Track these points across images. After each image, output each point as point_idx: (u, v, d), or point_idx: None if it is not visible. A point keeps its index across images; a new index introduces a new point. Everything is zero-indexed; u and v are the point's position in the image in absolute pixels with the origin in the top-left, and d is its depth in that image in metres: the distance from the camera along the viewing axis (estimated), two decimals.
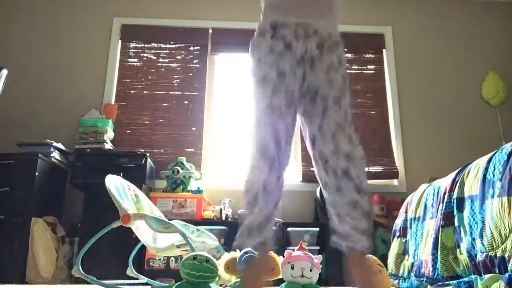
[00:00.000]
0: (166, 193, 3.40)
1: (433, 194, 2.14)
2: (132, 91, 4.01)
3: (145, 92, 4.02)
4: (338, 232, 1.33)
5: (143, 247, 2.30)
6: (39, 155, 3.08)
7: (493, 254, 1.49)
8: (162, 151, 3.84)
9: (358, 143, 1.40)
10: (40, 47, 4.04)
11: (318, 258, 1.52)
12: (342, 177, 1.34)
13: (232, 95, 4.16)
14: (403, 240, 2.44)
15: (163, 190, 3.47)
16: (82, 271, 1.82)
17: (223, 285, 1.80)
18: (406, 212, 2.48)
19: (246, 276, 1.45)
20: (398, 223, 2.55)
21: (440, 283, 1.86)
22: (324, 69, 1.41)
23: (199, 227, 2.25)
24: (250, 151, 1.39)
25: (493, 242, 1.49)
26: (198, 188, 3.46)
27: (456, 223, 1.81)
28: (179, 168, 3.47)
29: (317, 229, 3.24)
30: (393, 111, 4.07)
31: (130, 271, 2.24)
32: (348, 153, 1.36)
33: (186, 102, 4.00)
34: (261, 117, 1.39)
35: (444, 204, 1.93)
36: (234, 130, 4.04)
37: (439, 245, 1.90)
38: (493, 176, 1.59)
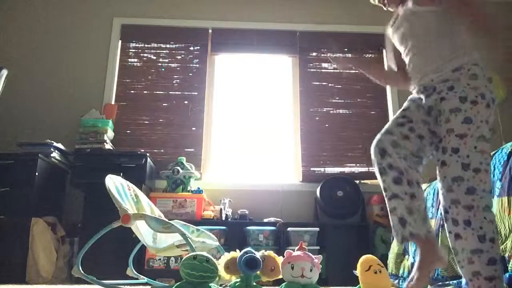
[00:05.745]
0: (166, 193, 3.40)
1: (433, 194, 2.14)
2: (132, 91, 4.01)
3: (145, 92, 4.02)
4: None
5: (143, 247, 2.30)
6: (39, 155, 3.08)
7: None
8: (162, 151, 3.84)
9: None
10: (40, 47, 4.04)
11: (318, 258, 1.52)
12: None
13: (232, 95, 4.15)
14: None
15: (163, 190, 3.47)
16: (82, 271, 1.82)
17: (223, 285, 1.80)
18: None
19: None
20: None
21: (440, 283, 1.86)
22: None
23: (199, 227, 2.26)
24: None
25: None
26: (198, 188, 3.46)
27: None
28: (179, 168, 3.47)
29: (317, 229, 3.24)
30: (393, 111, 4.06)
31: (130, 271, 2.24)
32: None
33: (186, 102, 4.00)
34: None
35: None
36: (234, 130, 4.04)
37: (439, 245, 1.90)
38: (493, 176, 1.59)
